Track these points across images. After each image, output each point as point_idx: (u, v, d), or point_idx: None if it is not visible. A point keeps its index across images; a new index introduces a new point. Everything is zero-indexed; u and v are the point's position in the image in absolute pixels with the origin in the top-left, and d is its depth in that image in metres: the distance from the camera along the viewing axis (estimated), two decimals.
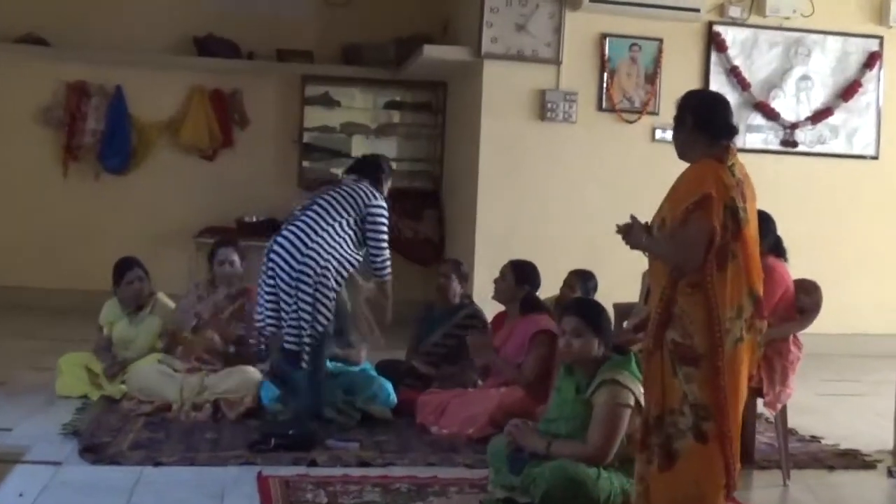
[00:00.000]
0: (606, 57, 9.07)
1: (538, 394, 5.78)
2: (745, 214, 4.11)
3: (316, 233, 5.78)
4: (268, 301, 5.88)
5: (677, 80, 9.01)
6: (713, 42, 9.34)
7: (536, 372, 5.99)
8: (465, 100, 9.67)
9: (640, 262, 4.63)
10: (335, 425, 5.92)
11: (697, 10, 9.08)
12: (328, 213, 5.87)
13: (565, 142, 8.99)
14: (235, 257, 6.81)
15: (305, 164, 10.75)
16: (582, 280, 6.74)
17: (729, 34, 9.38)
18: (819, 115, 9.59)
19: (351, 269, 5.91)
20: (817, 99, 9.62)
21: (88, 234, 10.27)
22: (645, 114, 9.10)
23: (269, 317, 5.88)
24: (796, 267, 5.77)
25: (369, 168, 6.24)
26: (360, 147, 10.70)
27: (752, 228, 4.16)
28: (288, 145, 10.64)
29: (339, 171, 10.65)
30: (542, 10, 8.90)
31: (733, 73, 9.38)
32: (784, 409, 5.52)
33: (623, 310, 6.44)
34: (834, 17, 9.56)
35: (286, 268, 5.74)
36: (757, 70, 9.48)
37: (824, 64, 9.61)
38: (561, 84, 8.98)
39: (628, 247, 4.30)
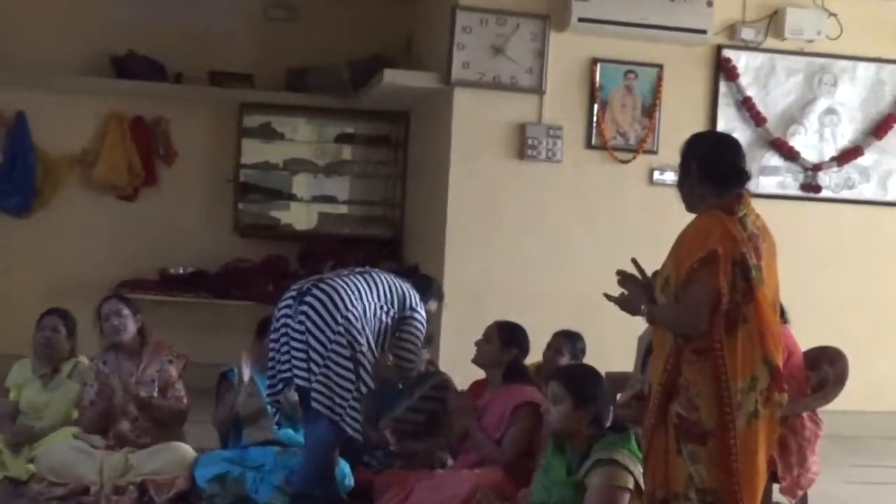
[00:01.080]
0: (597, 85, 9.31)
1: (519, 475, 5.96)
2: (758, 273, 4.34)
3: (355, 300, 6.19)
4: (298, 351, 6.13)
5: (680, 113, 9.32)
6: (722, 69, 9.59)
7: (518, 449, 6.19)
8: (431, 134, 9.89)
9: (635, 323, 4.84)
10: None
11: (704, 32, 9.30)
12: (370, 290, 6.31)
13: (549, 184, 9.18)
14: (126, 310, 7.01)
15: (241, 206, 10.93)
16: (570, 342, 6.98)
17: (741, 60, 9.63)
18: (846, 156, 9.81)
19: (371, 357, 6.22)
20: (844, 136, 9.85)
21: None
22: (641, 152, 9.32)
23: (300, 368, 6.13)
24: (818, 332, 5.98)
25: (421, 279, 6.95)
26: (305, 187, 10.91)
27: (769, 289, 4.39)
28: (222, 184, 10.81)
29: (278, 214, 10.94)
30: (523, 30, 9.13)
31: (745, 105, 9.62)
32: (805, 497, 5.75)
33: (617, 379, 6.65)
34: (865, 41, 9.77)
35: (321, 323, 6.08)
36: (773, 102, 9.72)
37: (853, 95, 9.86)
38: (544, 117, 9.21)
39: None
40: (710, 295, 4.26)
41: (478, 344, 6.75)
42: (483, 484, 6.01)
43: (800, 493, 5.64)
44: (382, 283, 6.36)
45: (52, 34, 10.54)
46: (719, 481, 4.25)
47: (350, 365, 6.04)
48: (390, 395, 7.12)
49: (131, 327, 6.96)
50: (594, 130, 9.32)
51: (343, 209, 11.25)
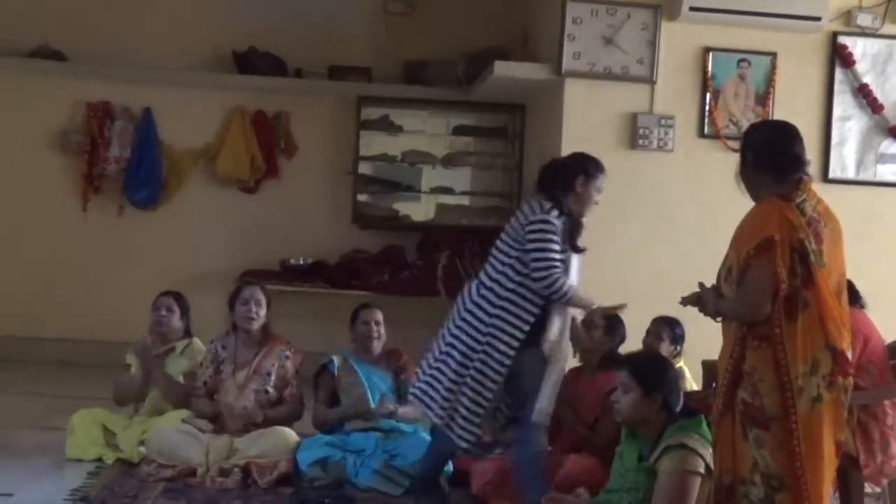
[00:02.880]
0: (710, 74, 9.33)
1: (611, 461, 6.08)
2: (817, 258, 4.40)
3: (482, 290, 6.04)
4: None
5: (794, 102, 9.28)
6: (838, 56, 9.51)
7: (611, 436, 6.27)
8: (544, 125, 9.99)
9: None
10: (377, 493, 6.39)
11: (819, 19, 9.25)
12: (494, 263, 6.06)
13: (660, 173, 9.21)
14: (263, 300, 7.28)
15: (361, 198, 11.16)
16: (669, 327, 7.06)
17: (857, 46, 9.54)
18: None
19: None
20: None
21: (109, 277, 10.78)
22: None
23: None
24: None
25: (547, 177, 6.25)
26: (423, 178, 11.11)
27: (832, 273, 4.45)
28: (341, 176, 11.05)
29: (396, 205, 11.14)
30: (634, 20, 9.19)
31: (862, 92, 9.53)
32: (894, 483, 5.77)
33: (712, 367, 6.70)
34: None
35: (472, 328, 5.97)
36: (892, 89, 9.60)
37: None
38: (655, 107, 9.27)
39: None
40: (769, 280, 4.35)
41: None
42: (574, 470, 6.15)
43: (884, 480, 5.66)
44: (505, 235, 6.02)
45: (177, 33, 10.90)
46: (783, 466, 4.34)
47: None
48: None
49: (262, 317, 7.25)
50: (706, 119, 9.32)
51: (461, 200, 11.40)
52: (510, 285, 5.91)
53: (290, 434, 6.82)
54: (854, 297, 5.83)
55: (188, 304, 7.66)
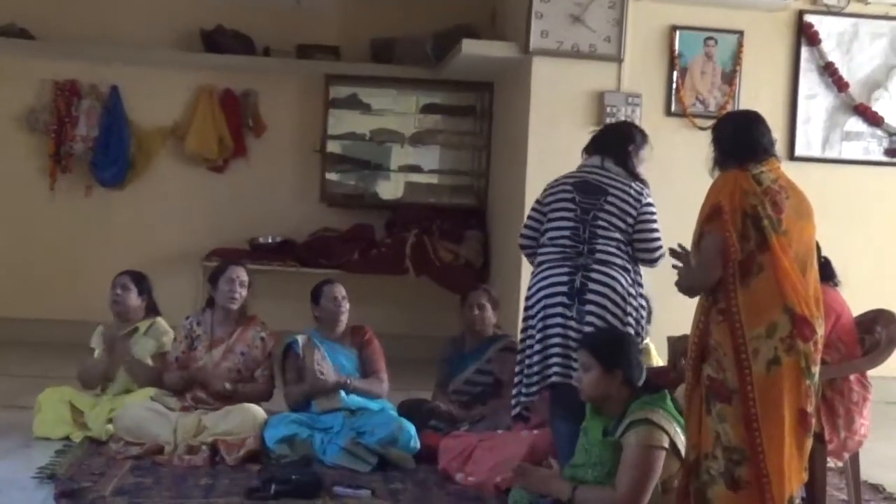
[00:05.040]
0: (677, 53, 9.40)
1: None
2: (773, 223, 4.47)
3: (631, 278, 5.79)
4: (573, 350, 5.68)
5: (761, 80, 9.40)
6: (804, 34, 9.60)
7: None
8: (512, 103, 10.03)
9: None
10: (345, 470, 6.38)
11: None
12: (617, 238, 5.82)
13: None
14: (247, 281, 7.31)
15: (330, 176, 11.19)
16: None
17: (823, 25, 9.63)
18: None
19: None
20: None
21: (77, 256, 10.78)
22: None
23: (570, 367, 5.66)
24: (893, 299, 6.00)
25: (614, 144, 6.09)
26: (391, 157, 11.13)
27: (792, 243, 4.52)
28: (309, 155, 11.07)
29: (364, 183, 11.14)
30: None
31: (828, 70, 9.62)
32: (856, 458, 5.82)
33: (678, 344, 6.71)
34: None
35: (613, 319, 5.67)
36: (857, 67, 9.72)
37: None
38: (623, 85, 9.32)
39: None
40: (718, 245, 4.47)
41: None
42: (540, 445, 6.19)
43: (846, 455, 5.70)
44: (609, 207, 5.82)
45: (144, 11, 10.89)
46: (743, 439, 4.39)
47: None
48: (460, 358, 7.34)
49: (243, 297, 7.29)
50: (674, 98, 9.40)
51: (429, 178, 11.43)
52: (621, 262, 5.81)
53: (257, 411, 6.81)
54: (829, 275, 5.88)
55: (150, 283, 7.60)
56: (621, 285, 5.66)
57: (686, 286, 4.67)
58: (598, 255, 5.74)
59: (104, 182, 10.90)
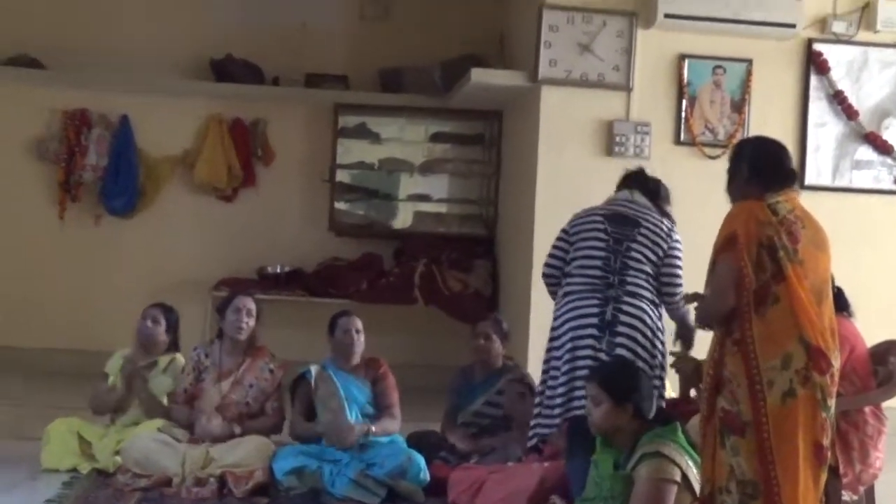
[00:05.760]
0: (685, 81, 9.34)
1: None
2: (789, 253, 4.42)
3: (656, 313, 5.82)
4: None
5: (770, 108, 9.33)
6: (813, 63, 9.54)
7: None
8: (521, 132, 9.98)
9: None
10: (354, 503, 6.39)
11: (794, 26, 9.27)
12: (647, 272, 5.88)
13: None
14: (254, 311, 7.24)
15: (338, 205, 11.09)
16: None
17: (832, 53, 9.57)
18: None
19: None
20: None
21: (86, 285, 10.69)
22: (731, 148, 9.29)
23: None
24: None
25: (651, 186, 6.32)
26: (400, 186, 11.10)
27: (808, 274, 4.47)
28: (318, 184, 10.98)
29: (373, 213, 11.09)
30: (610, 27, 9.17)
31: (837, 98, 9.56)
32: (871, 491, 5.75)
33: (684, 366, 6.60)
34: None
35: (643, 353, 5.67)
36: (866, 95, 9.65)
37: None
38: (631, 114, 9.26)
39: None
40: (732, 273, 4.44)
41: None
42: (551, 477, 6.12)
43: (861, 488, 5.65)
44: (642, 239, 5.92)
45: (154, 40, 10.81)
46: (757, 472, 4.33)
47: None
48: (469, 388, 7.28)
49: (251, 327, 7.27)
50: (682, 126, 9.33)
51: (438, 207, 11.35)
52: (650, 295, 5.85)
53: (265, 442, 6.79)
54: (842, 305, 5.83)
55: (178, 317, 7.57)
56: (650, 318, 5.65)
57: (701, 316, 4.63)
58: (629, 287, 5.72)
59: (114, 211, 10.83)
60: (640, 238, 5.87)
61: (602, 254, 5.84)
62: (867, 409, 5.68)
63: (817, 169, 9.46)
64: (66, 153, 10.69)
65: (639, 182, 6.28)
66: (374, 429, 6.88)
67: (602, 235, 5.90)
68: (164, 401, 7.28)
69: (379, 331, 8.00)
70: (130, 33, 10.80)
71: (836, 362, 4.52)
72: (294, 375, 7.29)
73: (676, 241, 5.97)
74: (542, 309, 8.68)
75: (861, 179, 9.63)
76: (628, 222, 5.94)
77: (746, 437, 4.34)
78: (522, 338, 8.77)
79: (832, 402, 4.50)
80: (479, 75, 9.50)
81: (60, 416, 7.23)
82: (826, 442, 4.51)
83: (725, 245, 4.49)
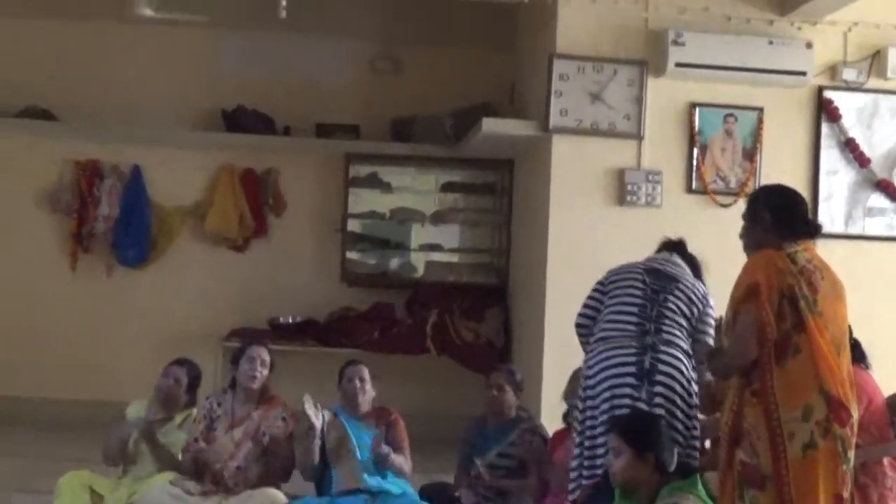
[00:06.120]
0: (696, 130, 9.32)
1: None
2: (807, 304, 4.38)
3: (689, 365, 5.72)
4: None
5: (782, 156, 9.31)
6: (824, 110, 9.51)
7: None
8: (532, 181, 9.96)
9: None
10: None
11: (804, 74, 9.28)
12: (682, 332, 5.80)
13: (648, 229, 9.02)
14: (268, 361, 7.20)
15: (350, 255, 11.09)
16: None
17: (843, 101, 9.54)
18: None
19: None
20: None
21: (98, 336, 10.67)
22: (743, 196, 9.18)
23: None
24: None
25: (689, 255, 6.44)
26: (412, 235, 11.08)
27: (828, 325, 4.41)
28: (329, 234, 10.98)
29: (385, 262, 11.07)
30: (620, 76, 9.18)
31: (849, 146, 9.52)
32: None
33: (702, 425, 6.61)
34: None
35: (680, 402, 5.55)
36: (878, 143, 9.61)
37: None
38: (643, 162, 9.24)
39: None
40: (755, 324, 4.37)
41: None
42: None
43: None
44: (681, 296, 5.90)
45: (165, 91, 10.87)
46: None
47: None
48: (483, 439, 7.21)
49: (264, 377, 7.20)
50: (694, 175, 9.30)
51: (449, 257, 11.34)
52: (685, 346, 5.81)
53: (278, 496, 6.70)
54: (859, 356, 5.78)
55: (199, 374, 7.50)
56: (686, 368, 5.59)
57: (721, 365, 4.55)
58: (665, 336, 5.69)
59: (125, 262, 10.83)
60: (677, 293, 5.89)
61: (639, 301, 5.84)
62: (885, 462, 5.62)
63: (830, 216, 9.39)
64: (78, 204, 10.72)
65: (678, 248, 6.38)
66: (392, 456, 6.79)
67: (640, 285, 5.91)
68: (179, 456, 7.21)
69: (391, 381, 7.96)
70: (142, 84, 10.84)
71: (856, 413, 4.48)
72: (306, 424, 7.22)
73: (711, 307, 5.93)
74: (555, 359, 8.69)
75: (874, 227, 9.59)
76: (667, 277, 5.97)
77: (766, 491, 4.29)
78: (535, 388, 8.70)
79: (852, 454, 4.45)
80: (490, 125, 9.51)
81: (71, 469, 7.13)
82: (846, 494, 4.47)
83: (748, 295, 4.44)
